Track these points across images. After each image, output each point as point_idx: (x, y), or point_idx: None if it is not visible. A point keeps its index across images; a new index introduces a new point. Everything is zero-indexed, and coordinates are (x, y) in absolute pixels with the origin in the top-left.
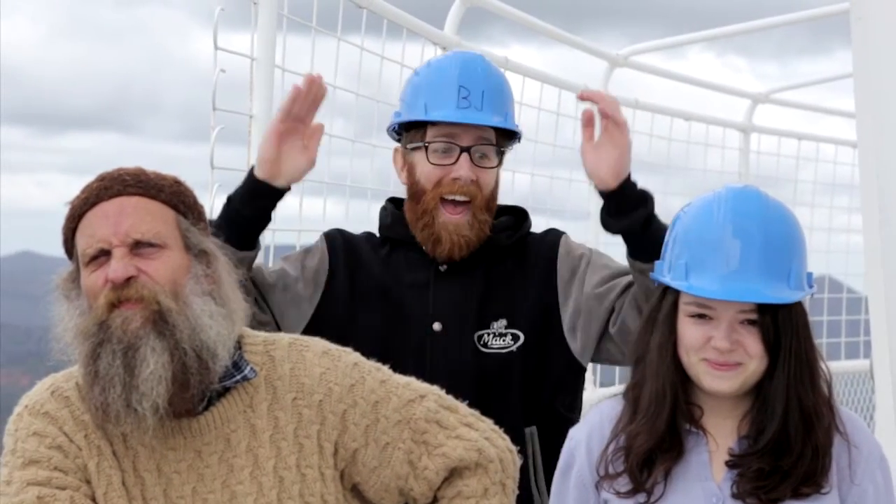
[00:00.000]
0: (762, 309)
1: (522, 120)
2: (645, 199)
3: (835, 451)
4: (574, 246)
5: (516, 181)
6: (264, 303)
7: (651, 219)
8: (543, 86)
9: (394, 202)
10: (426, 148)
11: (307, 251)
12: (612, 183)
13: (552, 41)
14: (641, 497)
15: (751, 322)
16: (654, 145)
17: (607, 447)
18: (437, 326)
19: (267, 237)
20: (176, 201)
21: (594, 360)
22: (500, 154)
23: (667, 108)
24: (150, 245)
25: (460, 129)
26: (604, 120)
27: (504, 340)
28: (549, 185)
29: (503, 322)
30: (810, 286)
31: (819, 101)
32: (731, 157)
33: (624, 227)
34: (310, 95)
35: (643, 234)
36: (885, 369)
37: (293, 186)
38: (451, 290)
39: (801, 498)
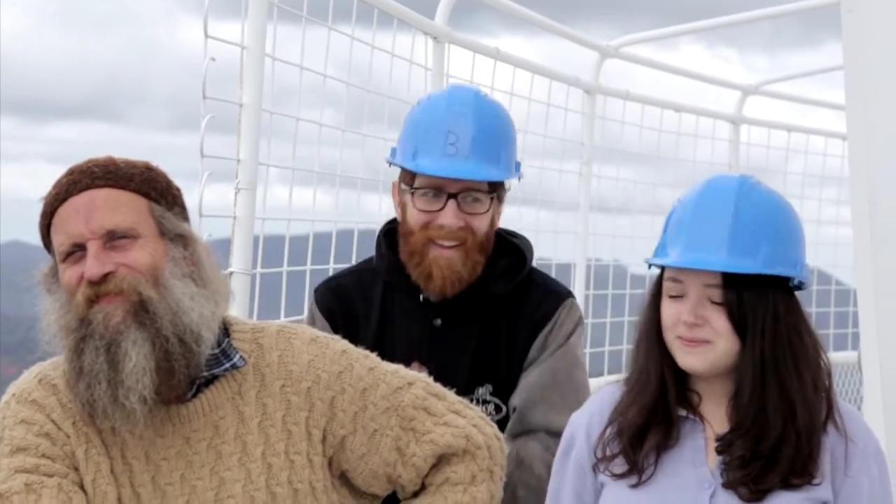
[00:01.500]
0: (728, 284)
1: (513, 111)
2: None
3: (830, 443)
4: (569, 325)
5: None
6: None
7: None
8: (534, 76)
9: (388, 236)
10: (412, 193)
11: (310, 322)
12: None
13: (543, 31)
14: (634, 479)
15: (718, 302)
16: (644, 136)
17: (605, 430)
18: None
19: (256, 226)
20: (147, 189)
21: None
22: (493, 199)
23: (657, 100)
24: (124, 236)
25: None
26: None
27: (487, 409)
28: (540, 176)
29: (489, 388)
30: (797, 273)
31: (809, 93)
32: (721, 148)
33: None
34: None
35: None
36: (873, 361)
37: (284, 176)
38: (444, 353)
39: (792, 489)
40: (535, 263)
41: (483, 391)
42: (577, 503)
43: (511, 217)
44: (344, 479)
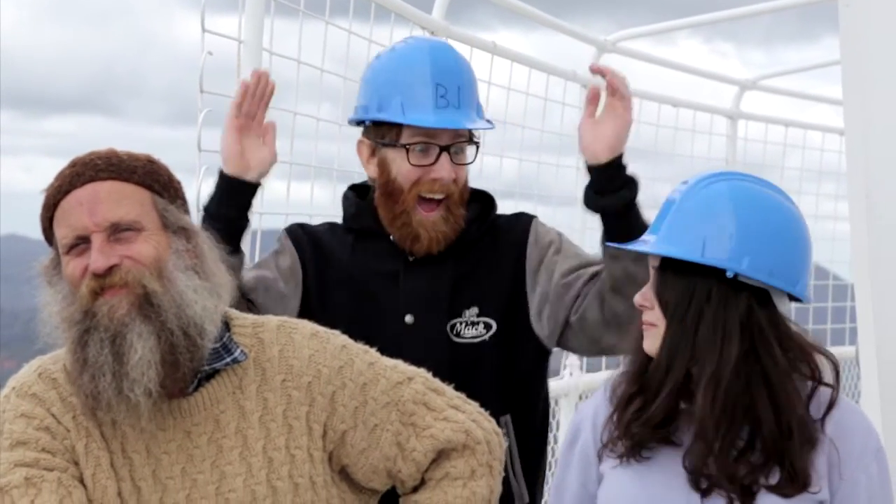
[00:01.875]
0: (662, 268)
1: (510, 105)
2: (632, 182)
3: (826, 443)
4: (543, 232)
5: (504, 167)
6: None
7: (633, 203)
8: (531, 71)
9: (355, 190)
10: (406, 149)
11: (276, 252)
12: (603, 157)
13: (540, 26)
14: (631, 464)
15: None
16: (641, 131)
17: (611, 416)
18: (409, 319)
19: (254, 221)
20: (150, 181)
21: (558, 345)
22: (476, 147)
23: (654, 95)
24: (128, 229)
25: (438, 128)
26: (609, 96)
27: (476, 329)
28: (537, 171)
29: (475, 310)
30: (752, 274)
31: (806, 88)
32: (719, 143)
33: (605, 206)
34: (258, 91)
35: (623, 216)
36: (870, 356)
37: (281, 170)
38: (422, 281)
39: (786, 497)
40: None
41: (469, 313)
42: (581, 493)
43: (508, 211)
44: (344, 474)
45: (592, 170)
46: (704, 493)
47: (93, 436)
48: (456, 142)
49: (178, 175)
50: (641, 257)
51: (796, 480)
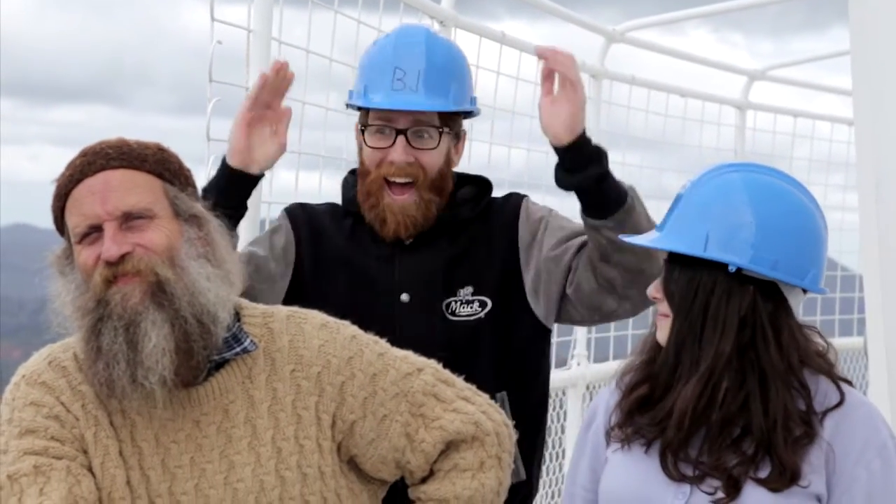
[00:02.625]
0: (671, 262)
1: (519, 96)
2: (599, 155)
3: (824, 440)
4: (534, 209)
5: (513, 157)
6: None
7: (605, 175)
8: (540, 61)
9: (355, 173)
10: (363, 130)
11: (273, 230)
12: (565, 138)
13: (549, 16)
14: (631, 450)
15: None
16: (650, 121)
17: (618, 402)
18: (404, 297)
19: (262, 210)
20: (161, 169)
21: (558, 320)
22: (443, 133)
23: (663, 85)
24: (140, 217)
25: (395, 111)
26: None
27: (471, 307)
28: (546, 161)
29: (469, 289)
30: (736, 264)
31: (815, 78)
32: (727, 133)
33: (576, 183)
34: (277, 81)
35: (596, 190)
36: (879, 347)
37: (289, 160)
38: (417, 261)
39: (774, 491)
40: None
41: (464, 293)
42: (592, 477)
43: None
44: (352, 465)
45: (557, 150)
46: (692, 482)
47: (102, 424)
48: (415, 126)
49: (187, 164)
50: (623, 227)
51: (784, 474)
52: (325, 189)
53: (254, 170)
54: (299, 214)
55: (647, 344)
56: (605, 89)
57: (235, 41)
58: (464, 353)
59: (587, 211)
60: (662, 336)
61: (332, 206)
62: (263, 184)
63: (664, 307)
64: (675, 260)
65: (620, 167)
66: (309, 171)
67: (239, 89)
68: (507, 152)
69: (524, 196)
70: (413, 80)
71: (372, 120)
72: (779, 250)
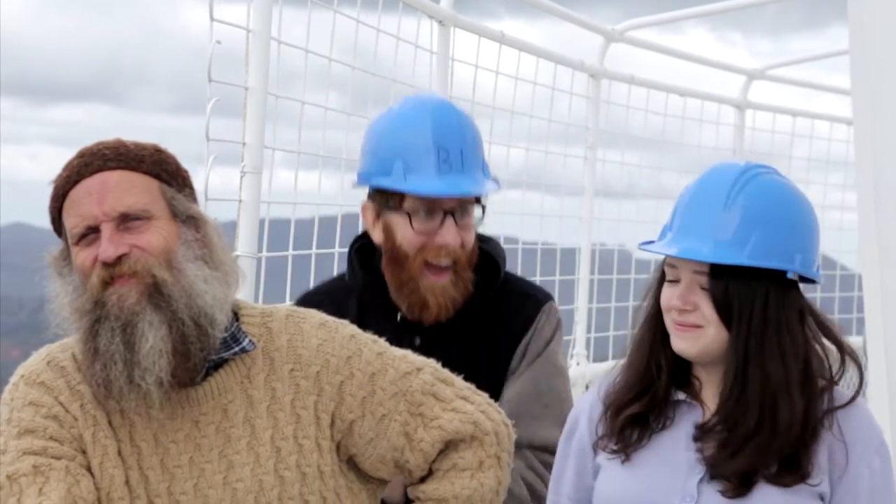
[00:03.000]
0: (715, 274)
1: (518, 95)
2: None
3: (829, 437)
4: (547, 332)
5: (511, 156)
6: None
7: None
8: (539, 60)
9: (360, 254)
10: (409, 215)
11: None
12: None
13: (548, 15)
14: (623, 456)
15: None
16: (649, 121)
17: (604, 415)
18: None
19: (262, 210)
20: (158, 170)
21: None
22: (482, 208)
23: (662, 84)
24: (137, 218)
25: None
26: None
27: None
28: (544, 160)
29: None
30: (792, 269)
31: (814, 77)
32: (726, 133)
33: None
34: None
35: None
36: (878, 346)
37: (289, 159)
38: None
39: (783, 486)
40: (539, 248)
41: None
42: (578, 485)
43: (515, 201)
44: (351, 464)
45: None
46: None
47: (100, 424)
48: (461, 205)
49: (185, 164)
50: None
51: (795, 471)
52: (325, 188)
53: None
54: None
55: (636, 366)
56: (605, 89)
57: (234, 41)
58: None
59: None
60: (691, 346)
61: (329, 291)
62: (263, 184)
63: (696, 317)
64: (721, 271)
65: (620, 167)
66: (308, 170)
67: (237, 89)
68: (507, 151)
69: (543, 304)
70: (457, 160)
71: (414, 203)
72: (812, 249)
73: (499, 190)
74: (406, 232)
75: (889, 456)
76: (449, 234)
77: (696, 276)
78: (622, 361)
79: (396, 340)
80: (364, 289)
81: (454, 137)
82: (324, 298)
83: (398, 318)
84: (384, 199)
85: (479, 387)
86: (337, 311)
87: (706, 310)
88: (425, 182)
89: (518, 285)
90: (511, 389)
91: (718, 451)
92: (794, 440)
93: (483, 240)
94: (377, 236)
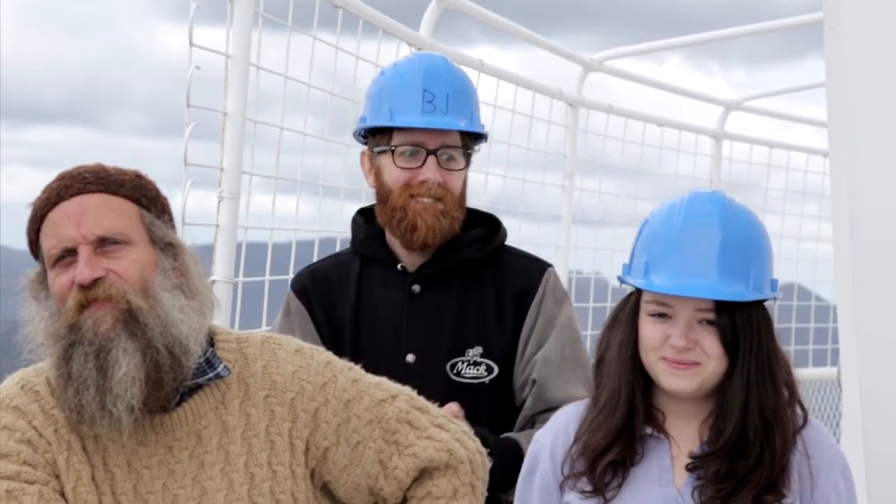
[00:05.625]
0: (720, 308)
1: (496, 123)
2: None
3: (795, 459)
4: (557, 294)
5: (489, 183)
6: None
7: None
8: (518, 89)
9: (363, 214)
10: (392, 152)
11: (285, 314)
12: None
13: (528, 44)
14: (599, 498)
15: (710, 322)
16: (626, 150)
17: (571, 447)
18: (410, 358)
19: (239, 235)
20: (138, 195)
21: None
22: (467, 156)
23: (640, 114)
24: (115, 242)
25: (426, 133)
26: None
27: (478, 370)
28: (522, 188)
29: (479, 350)
30: (774, 292)
31: (791, 108)
32: (703, 163)
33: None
34: None
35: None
36: (852, 377)
37: (266, 184)
38: (426, 317)
39: None
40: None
41: (473, 353)
42: None
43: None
44: (326, 491)
45: None
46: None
47: (74, 449)
48: (444, 146)
49: (161, 187)
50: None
51: (772, 491)
52: (302, 213)
53: None
54: (305, 283)
55: (612, 408)
56: (583, 117)
57: (213, 65)
58: (466, 414)
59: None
60: (689, 384)
61: (335, 255)
62: (240, 208)
63: (696, 355)
64: (723, 307)
65: (597, 196)
66: (285, 195)
67: (215, 113)
68: (485, 178)
69: (548, 267)
70: (442, 103)
71: (400, 142)
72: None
73: (484, 133)
74: (391, 170)
75: (852, 477)
76: (429, 171)
77: (698, 312)
78: (587, 400)
79: (397, 287)
80: (366, 240)
81: (441, 83)
82: (326, 264)
83: (398, 267)
84: (375, 143)
85: (488, 334)
86: (339, 271)
87: (709, 346)
88: (409, 118)
89: (519, 251)
90: (546, 352)
91: (716, 481)
92: (770, 459)
93: (483, 212)
94: (370, 181)
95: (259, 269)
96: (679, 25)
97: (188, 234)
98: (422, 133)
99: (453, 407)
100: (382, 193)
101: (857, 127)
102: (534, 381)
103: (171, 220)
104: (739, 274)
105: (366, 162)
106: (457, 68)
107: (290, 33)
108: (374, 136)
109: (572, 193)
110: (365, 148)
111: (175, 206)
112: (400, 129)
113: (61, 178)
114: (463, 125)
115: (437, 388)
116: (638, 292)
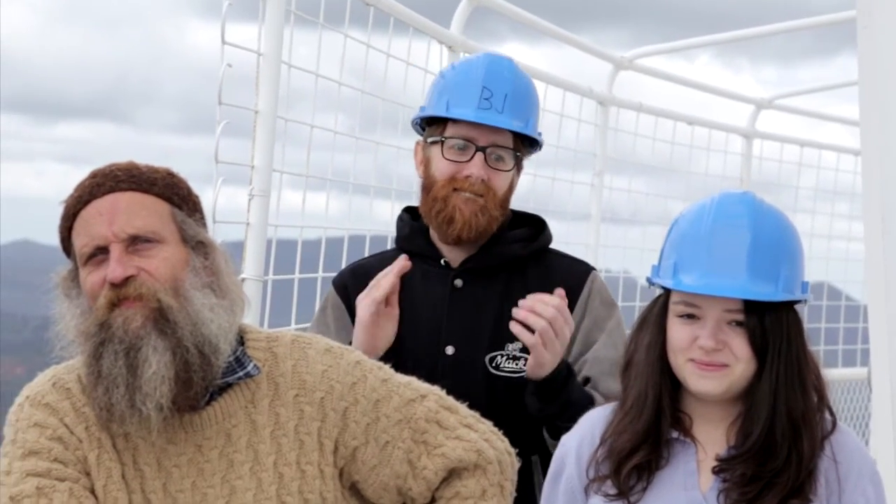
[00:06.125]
0: (749, 309)
1: None
2: (566, 387)
3: (823, 464)
4: (600, 295)
5: (519, 182)
6: None
7: (567, 403)
8: (548, 87)
9: (410, 212)
10: (442, 143)
11: (322, 310)
12: (539, 375)
13: (558, 42)
14: (624, 502)
15: (738, 323)
16: (656, 148)
17: (597, 450)
18: (449, 350)
19: (269, 232)
20: (170, 194)
21: None
22: (517, 158)
23: (670, 112)
24: (147, 240)
25: (478, 129)
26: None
27: (517, 364)
28: (551, 186)
29: (519, 345)
30: (805, 294)
31: (822, 106)
32: (734, 161)
33: (546, 414)
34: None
35: (559, 415)
36: (883, 378)
37: (295, 182)
38: (466, 310)
39: None
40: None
41: (513, 347)
42: None
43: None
44: (354, 491)
45: (530, 382)
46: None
47: (105, 447)
48: (494, 145)
49: (192, 184)
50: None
51: (799, 497)
52: (332, 210)
53: (380, 353)
54: (346, 280)
55: (640, 410)
56: (613, 116)
57: (244, 62)
58: (504, 410)
59: (550, 433)
60: (718, 385)
61: (380, 255)
62: (270, 206)
63: (725, 356)
64: (753, 307)
65: (627, 194)
66: (315, 192)
67: (246, 111)
68: None
69: (593, 269)
70: (499, 102)
71: (451, 133)
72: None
73: (539, 139)
74: (439, 162)
75: (881, 483)
76: (475, 167)
77: (727, 313)
78: (614, 403)
79: (439, 281)
80: (410, 235)
81: (502, 82)
82: (371, 261)
83: (441, 261)
84: (429, 134)
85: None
86: (383, 267)
87: (737, 347)
88: (462, 112)
89: (566, 254)
90: (598, 351)
91: (742, 484)
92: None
93: (530, 214)
94: (420, 171)
95: (289, 266)
96: (710, 22)
97: (219, 232)
98: (474, 128)
99: (561, 291)
100: (427, 184)
101: (890, 126)
102: (587, 379)
103: (202, 218)
104: (769, 274)
105: (419, 152)
106: (522, 72)
107: (322, 31)
108: (430, 126)
109: (602, 192)
110: (420, 138)
111: (206, 203)
112: (454, 122)
113: (93, 175)
114: (516, 126)
115: (476, 380)
116: (667, 294)
